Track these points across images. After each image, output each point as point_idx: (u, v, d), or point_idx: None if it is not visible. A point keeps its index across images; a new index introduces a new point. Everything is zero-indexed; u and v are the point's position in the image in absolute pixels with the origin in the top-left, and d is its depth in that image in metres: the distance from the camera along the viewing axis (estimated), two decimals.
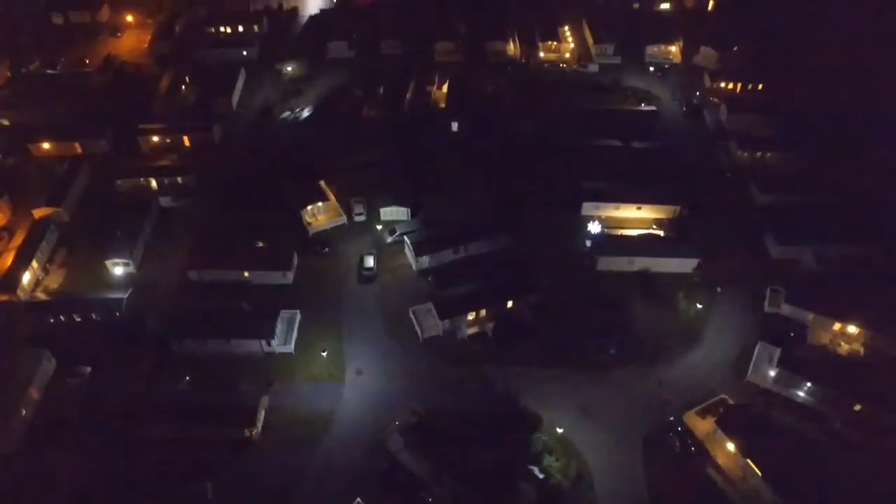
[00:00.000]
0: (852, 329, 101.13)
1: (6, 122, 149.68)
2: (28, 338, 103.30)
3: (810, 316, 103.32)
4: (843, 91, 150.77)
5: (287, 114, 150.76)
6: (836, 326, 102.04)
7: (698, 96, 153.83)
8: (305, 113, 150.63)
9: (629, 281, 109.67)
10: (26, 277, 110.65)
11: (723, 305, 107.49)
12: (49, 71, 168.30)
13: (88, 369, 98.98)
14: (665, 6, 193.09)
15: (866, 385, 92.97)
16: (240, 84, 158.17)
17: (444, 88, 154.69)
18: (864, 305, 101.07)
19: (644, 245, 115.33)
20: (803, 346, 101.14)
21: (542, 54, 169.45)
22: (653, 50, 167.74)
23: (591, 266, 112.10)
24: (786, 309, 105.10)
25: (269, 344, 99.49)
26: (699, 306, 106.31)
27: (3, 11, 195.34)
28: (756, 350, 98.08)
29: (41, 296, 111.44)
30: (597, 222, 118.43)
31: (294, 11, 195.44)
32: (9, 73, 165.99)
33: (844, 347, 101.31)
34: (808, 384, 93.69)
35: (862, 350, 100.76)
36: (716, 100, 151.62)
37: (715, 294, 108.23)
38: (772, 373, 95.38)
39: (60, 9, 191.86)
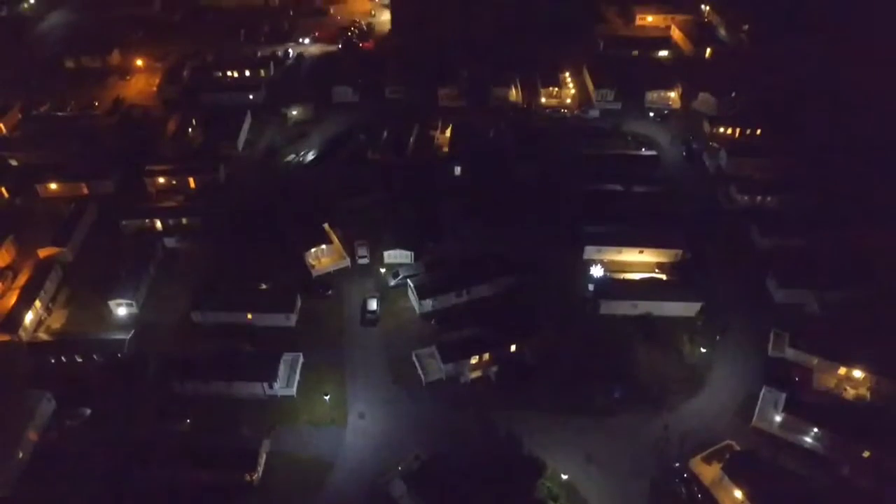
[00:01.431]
0: (858, 373, 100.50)
1: (15, 163, 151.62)
2: (28, 378, 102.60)
3: (815, 360, 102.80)
4: (842, 134, 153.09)
5: (292, 157, 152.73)
6: (842, 370, 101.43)
7: (697, 141, 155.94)
8: (310, 156, 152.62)
9: (632, 325, 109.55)
10: (29, 317, 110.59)
11: (727, 349, 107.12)
12: (59, 113, 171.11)
13: (88, 411, 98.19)
14: (663, 53, 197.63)
15: (874, 430, 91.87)
16: (246, 127, 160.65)
17: (448, 133, 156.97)
18: (870, 349, 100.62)
19: (647, 289, 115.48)
20: (809, 390, 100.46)
21: (543, 100, 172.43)
22: (652, 96, 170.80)
23: (593, 310, 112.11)
24: (790, 353, 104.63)
25: (271, 387, 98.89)
26: (703, 350, 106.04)
27: (17, 55, 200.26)
28: (761, 395, 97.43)
29: (43, 336, 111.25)
30: (599, 266, 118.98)
31: (300, 57, 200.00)
32: (20, 115, 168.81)
33: (851, 392, 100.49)
34: (815, 429, 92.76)
35: (868, 395, 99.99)
36: (715, 145, 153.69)
37: (721, 337, 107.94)
38: (778, 418, 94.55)
39: (73, 53, 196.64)
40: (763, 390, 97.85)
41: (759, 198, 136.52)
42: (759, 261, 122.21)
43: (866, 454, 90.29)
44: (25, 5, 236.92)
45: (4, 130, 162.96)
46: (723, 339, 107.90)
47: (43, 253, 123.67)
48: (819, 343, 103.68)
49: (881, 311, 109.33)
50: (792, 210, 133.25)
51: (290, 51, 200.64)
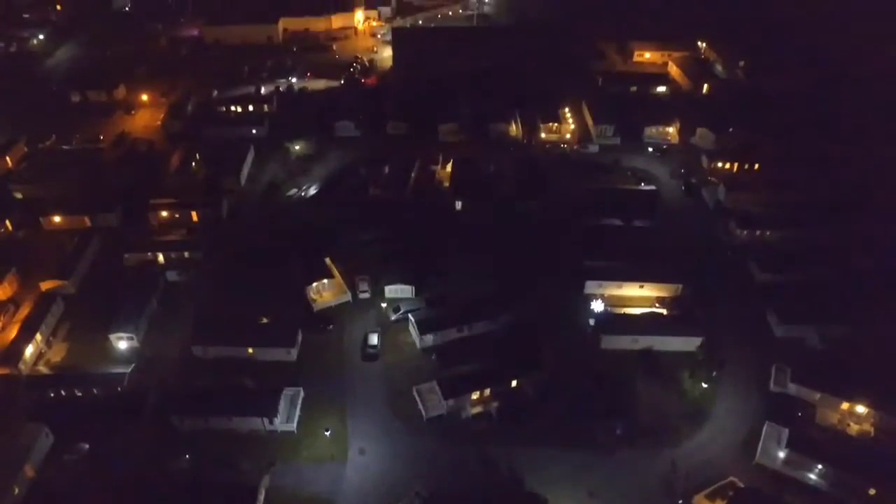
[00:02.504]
0: (861, 409, 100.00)
1: (19, 196, 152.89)
2: (27, 413, 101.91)
3: (817, 395, 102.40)
4: (839, 166, 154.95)
5: (294, 191, 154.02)
6: (845, 406, 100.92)
7: (696, 175, 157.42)
8: (312, 190, 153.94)
9: (633, 359, 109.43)
10: (29, 350, 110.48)
11: (728, 384, 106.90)
12: (64, 147, 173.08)
13: (86, 446, 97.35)
14: (661, 89, 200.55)
15: (880, 467, 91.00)
16: (248, 161, 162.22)
17: (448, 168, 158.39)
18: (872, 384, 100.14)
19: (647, 324, 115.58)
20: (812, 426, 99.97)
21: (543, 135, 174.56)
22: (651, 131, 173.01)
23: (594, 345, 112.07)
24: (792, 388, 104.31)
25: (271, 422, 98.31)
26: (704, 385, 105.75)
27: (24, 90, 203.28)
28: (764, 430, 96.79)
29: (43, 369, 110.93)
30: (600, 301, 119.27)
31: (303, 92, 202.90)
32: (26, 149, 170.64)
33: (854, 428, 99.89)
34: (820, 466, 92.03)
35: (872, 430, 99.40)
36: (714, 179, 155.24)
37: (720, 373, 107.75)
38: (781, 454, 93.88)
39: (79, 87, 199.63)
40: (766, 426, 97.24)
41: (758, 232, 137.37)
42: (759, 295, 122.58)
43: (872, 492, 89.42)
44: (34, 41, 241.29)
45: (10, 164, 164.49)
46: (724, 374, 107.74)
47: (45, 286, 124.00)
48: (821, 378, 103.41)
49: (883, 346, 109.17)
50: (791, 244, 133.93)
51: (281, 87, 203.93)
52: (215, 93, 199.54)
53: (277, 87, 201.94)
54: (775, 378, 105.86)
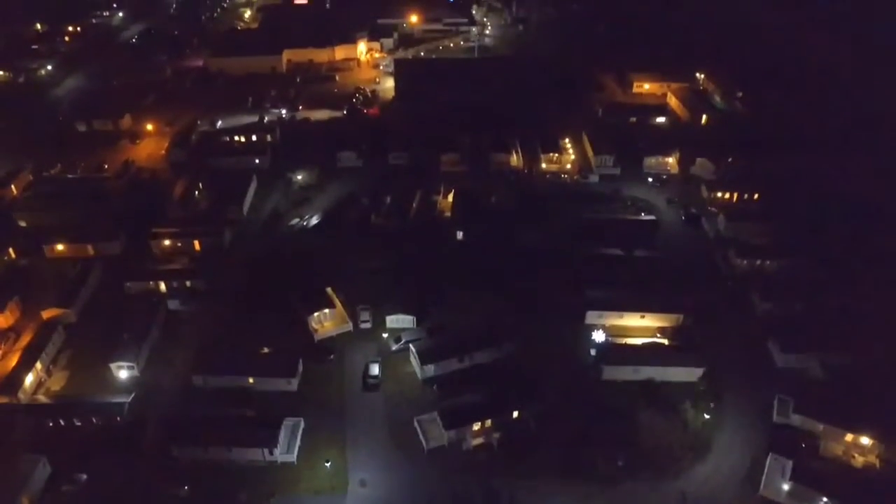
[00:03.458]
0: (865, 440, 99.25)
1: (23, 223, 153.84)
2: (25, 442, 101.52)
3: (821, 426, 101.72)
4: (839, 194, 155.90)
5: (296, 220, 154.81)
6: (849, 437, 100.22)
7: (696, 205, 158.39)
8: (314, 220, 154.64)
9: (634, 390, 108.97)
10: (29, 379, 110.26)
11: (731, 415, 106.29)
12: (69, 175, 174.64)
13: (84, 476, 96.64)
14: (661, 120, 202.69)
15: (886, 500, 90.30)
16: (251, 191, 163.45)
17: (450, 198, 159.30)
18: (877, 415, 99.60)
19: (649, 354, 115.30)
20: (816, 458, 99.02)
21: (544, 165, 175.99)
22: (651, 161, 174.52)
23: (596, 375, 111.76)
24: (795, 419, 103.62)
25: (271, 453, 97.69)
26: (707, 416, 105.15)
27: (32, 119, 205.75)
28: (767, 462, 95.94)
29: (42, 398, 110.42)
30: (601, 331, 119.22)
31: (306, 122, 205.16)
32: (31, 177, 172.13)
33: (859, 459, 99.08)
34: (825, 499, 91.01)
35: (878, 462, 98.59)
36: (714, 209, 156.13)
37: (719, 405, 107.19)
38: (785, 486, 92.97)
39: (85, 117, 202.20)
40: (769, 457, 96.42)
41: (758, 262, 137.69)
42: (760, 324, 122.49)
43: None
44: (42, 72, 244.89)
45: (16, 192, 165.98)
46: (726, 405, 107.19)
47: (46, 314, 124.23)
48: (825, 409, 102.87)
49: (887, 376, 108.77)
50: (791, 274, 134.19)
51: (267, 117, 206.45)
52: (219, 123, 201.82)
53: (280, 117, 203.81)
54: (778, 409, 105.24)
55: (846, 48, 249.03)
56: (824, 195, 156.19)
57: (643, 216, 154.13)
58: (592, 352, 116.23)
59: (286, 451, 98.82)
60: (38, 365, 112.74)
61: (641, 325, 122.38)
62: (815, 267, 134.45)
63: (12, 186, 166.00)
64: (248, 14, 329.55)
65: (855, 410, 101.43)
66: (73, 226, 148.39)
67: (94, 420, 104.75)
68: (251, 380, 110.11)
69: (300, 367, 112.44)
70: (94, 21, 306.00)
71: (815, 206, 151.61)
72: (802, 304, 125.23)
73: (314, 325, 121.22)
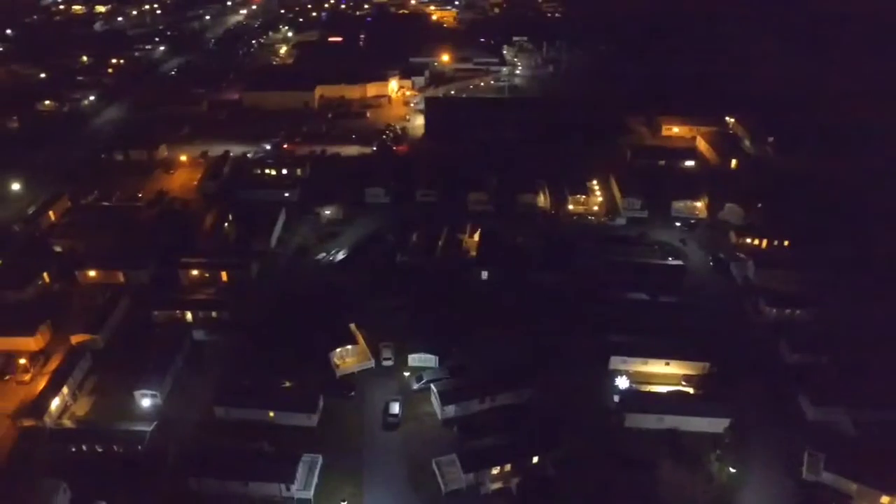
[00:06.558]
0: None
1: (59, 249, 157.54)
2: (47, 466, 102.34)
3: (854, 486, 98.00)
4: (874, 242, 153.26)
5: (322, 255, 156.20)
6: (885, 500, 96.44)
7: (724, 251, 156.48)
8: (340, 255, 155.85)
9: (657, 439, 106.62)
10: (55, 403, 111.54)
11: (758, 469, 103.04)
12: (104, 203, 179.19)
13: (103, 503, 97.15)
14: (690, 164, 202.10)
15: None
16: (279, 224, 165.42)
17: (476, 237, 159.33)
18: None
19: (673, 402, 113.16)
20: None
21: (570, 206, 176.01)
22: (679, 205, 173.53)
23: (618, 423, 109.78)
24: (826, 477, 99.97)
25: (288, 489, 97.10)
26: (732, 470, 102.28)
27: (72, 147, 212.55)
28: None
29: (67, 423, 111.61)
30: (624, 377, 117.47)
31: (335, 157, 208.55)
32: (69, 204, 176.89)
33: None
34: None
35: None
36: (742, 255, 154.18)
37: (748, 457, 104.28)
38: None
39: (122, 146, 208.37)
40: None
41: (787, 311, 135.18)
42: (789, 376, 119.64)
43: None
44: (85, 102, 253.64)
45: (54, 217, 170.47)
46: (753, 459, 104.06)
47: (75, 339, 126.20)
48: (858, 467, 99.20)
49: None
50: (822, 325, 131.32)
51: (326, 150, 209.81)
52: (250, 154, 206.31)
53: (312, 152, 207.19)
54: (808, 465, 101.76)
55: (877, 94, 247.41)
56: (858, 244, 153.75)
57: (670, 261, 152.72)
58: (615, 398, 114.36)
59: (303, 487, 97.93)
60: (65, 389, 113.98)
61: (666, 373, 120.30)
62: (847, 318, 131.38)
63: (51, 213, 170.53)
64: (283, 50, 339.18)
65: (891, 470, 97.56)
66: (105, 253, 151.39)
67: (116, 447, 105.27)
68: (272, 413, 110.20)
69: (321, 403, 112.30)
70: (136, 54, 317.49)
71: (848, 256, 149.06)
72: (833, 356, 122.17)
73: (336, 360, 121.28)
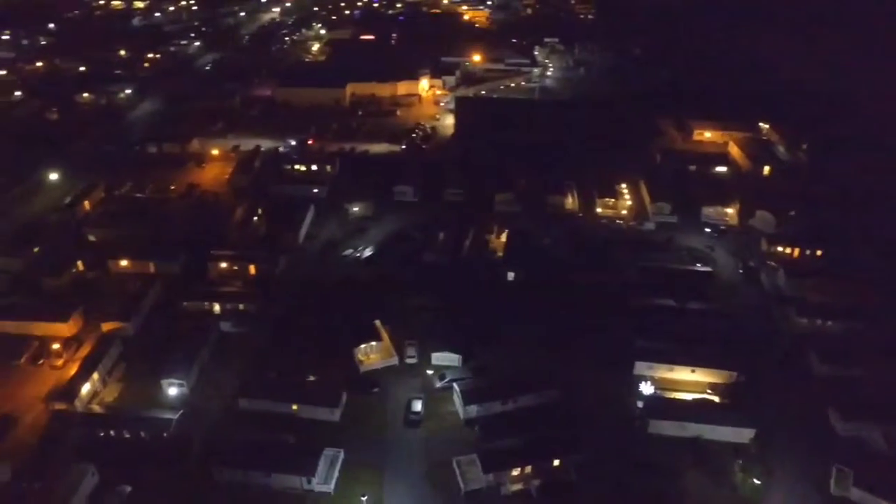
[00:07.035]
0: None
1: (93, 238, 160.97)
2: (75, 449, 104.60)
3: None
4: None
5: (350, 251, 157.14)
6: None
7: (755, 259, 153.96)
8: (367, 252, 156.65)
9: (681, 447, 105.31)
10: (85, 388, 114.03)
11: (784, 482, 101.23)
12: (137, 194, 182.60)
13: (129, 488, 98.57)
14: (721, 169, 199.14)
15: None
16: (308, 220, 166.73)
17: (503, 238, 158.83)
18: None
19: (698, 410, 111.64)
20: None
21: (599, 210, 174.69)
22: (709, 211, 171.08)
23: (641, 428, 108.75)
24: (855, 493, 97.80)
25: (309, 482, 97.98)
26: (756, 481, 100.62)
27: (108, 139, 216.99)
28: None
29: (96, 408, 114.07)
30: (649, 383, 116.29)
31: (365, 154, 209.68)
32: (103, 194, 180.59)
33: None
34: None
35: None
36: (773, 263, 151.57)
37: (773, 468, 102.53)
38: None
39: (156, 139, 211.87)
40: None
41: (818, 321, 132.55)
42: (818, 388, 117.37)
43: None
44: (122, 95, 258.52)
45: (88, 207, 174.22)
46: (780, 471, 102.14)
47: (107, 327, 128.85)
48: (888, 484, 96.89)
49: None
50: (854, 336, 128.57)
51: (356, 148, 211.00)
52: (281, 148, 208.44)
53: (341, 148, 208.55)
54: (836, 480, 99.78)
55: None
56: (893, 254, 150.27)
57: (699, 267, 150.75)
58: (640, 404, 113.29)
59: (324, 481, 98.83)
60: (96, 375, 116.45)
61: (692, 380, 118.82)
62: (881, 330, 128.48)
63: (86, 202, 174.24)
64: (315, 47, 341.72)
65: None
66: (137, 244, 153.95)
67: (143, 433, 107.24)
68: (295, 407, 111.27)
69: (344, 398, 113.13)
70: (171, 49, 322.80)
71: (882, 266, 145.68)
72: (864, 369, 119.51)
73: (360, 356, 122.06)
